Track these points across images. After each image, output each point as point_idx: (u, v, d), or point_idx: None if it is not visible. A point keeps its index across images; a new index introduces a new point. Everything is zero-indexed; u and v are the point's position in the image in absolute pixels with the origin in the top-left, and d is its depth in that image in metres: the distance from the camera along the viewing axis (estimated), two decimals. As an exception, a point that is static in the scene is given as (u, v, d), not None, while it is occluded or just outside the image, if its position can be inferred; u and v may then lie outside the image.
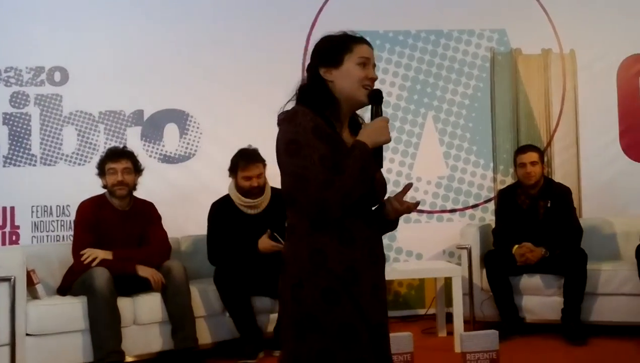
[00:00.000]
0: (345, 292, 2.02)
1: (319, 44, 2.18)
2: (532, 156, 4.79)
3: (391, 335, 3.52)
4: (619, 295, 4.51)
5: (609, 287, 4.54)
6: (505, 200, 4.94)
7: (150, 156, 5.32)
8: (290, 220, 2.09)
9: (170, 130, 5.40)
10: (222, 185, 4.62)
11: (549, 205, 4.75)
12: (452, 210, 5.56)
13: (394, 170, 5.50)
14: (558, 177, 5.37)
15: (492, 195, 5.49)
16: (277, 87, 5.12)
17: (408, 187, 2.15)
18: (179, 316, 4.12)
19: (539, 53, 5.61)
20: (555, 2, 5.62)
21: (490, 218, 5.35)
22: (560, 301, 4.51)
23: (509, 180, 5.38)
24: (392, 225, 2.22)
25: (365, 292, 2.05)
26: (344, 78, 2.09)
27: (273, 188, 4.53)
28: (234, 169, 4.48)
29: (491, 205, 5.46)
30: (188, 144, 5.41)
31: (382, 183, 2.16)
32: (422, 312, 5.38)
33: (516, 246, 4.65)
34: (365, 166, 1.99)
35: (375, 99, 2.09)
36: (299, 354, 2.04)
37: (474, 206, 5.57)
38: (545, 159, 5.52)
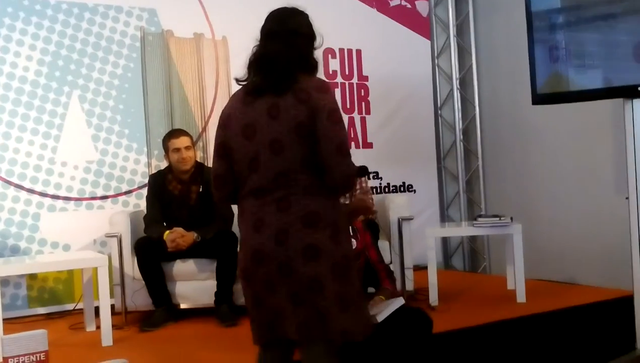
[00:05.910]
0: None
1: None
2: (185, 141, 4.70)
3: (24, 333, 3.17)
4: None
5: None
6: (155, 185, 4.78)
7: None
8: (312, 178, 2.30)
9: None
10: None
11: (200, 190, 4.69)
12: (103, 197, 5.22)
13: (34, 154, 4.96)
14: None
15: (146, 180, 5.25)
16: None
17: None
18: None
19: (191, 37, 5.54)
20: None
21: (144, 205, 5.14)
22: (214, 284, 4.49)
23: (165, 165, 5.23)
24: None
25: None
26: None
27: None
28: None
29: (145, 191, 5.25)
30: None
31: None
32: (71, 306, 4.97)
33: (167, 232, 4.54)
34: None
35: None
36: (345, 293, 2.26)
37: (127, 192, 5.32)
38: (201, 144, 5.51)
